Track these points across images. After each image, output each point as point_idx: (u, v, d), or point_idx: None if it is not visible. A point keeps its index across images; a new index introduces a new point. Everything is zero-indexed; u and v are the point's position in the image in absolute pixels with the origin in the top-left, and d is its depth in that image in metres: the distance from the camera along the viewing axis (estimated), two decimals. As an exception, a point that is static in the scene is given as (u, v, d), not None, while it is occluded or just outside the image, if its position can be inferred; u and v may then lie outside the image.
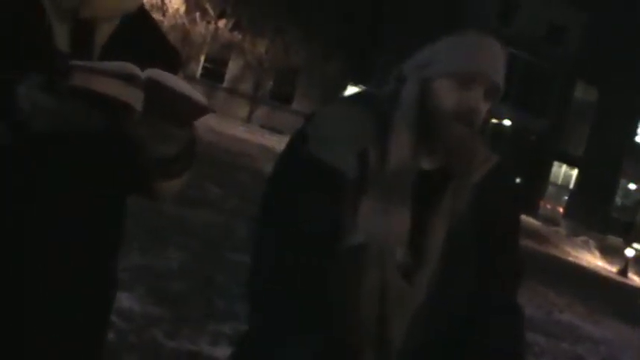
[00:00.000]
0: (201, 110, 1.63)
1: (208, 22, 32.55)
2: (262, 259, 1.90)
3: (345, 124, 1.83)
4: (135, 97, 1.55)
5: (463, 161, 1.85)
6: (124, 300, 5.27)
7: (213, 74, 35.03)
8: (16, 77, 1.57)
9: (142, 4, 1.90)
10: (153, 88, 1.57)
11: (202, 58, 34.48)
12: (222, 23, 32.56)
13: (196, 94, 1.61)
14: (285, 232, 1.84)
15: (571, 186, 42.08)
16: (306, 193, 1.79)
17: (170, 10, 32.03)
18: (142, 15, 1.90)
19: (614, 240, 34.78)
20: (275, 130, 30.82)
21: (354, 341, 1.81)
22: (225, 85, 35.35)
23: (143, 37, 1.86)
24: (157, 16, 31.93)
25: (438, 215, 1.83)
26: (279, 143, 17.32)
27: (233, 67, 35.21)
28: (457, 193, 1.85)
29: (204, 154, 15.60)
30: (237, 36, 32.84)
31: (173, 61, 1.93)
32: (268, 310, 1.87)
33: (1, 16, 1.69)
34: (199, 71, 34.93)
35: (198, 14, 32.29)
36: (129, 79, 1.54)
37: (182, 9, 32.07)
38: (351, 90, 32.77)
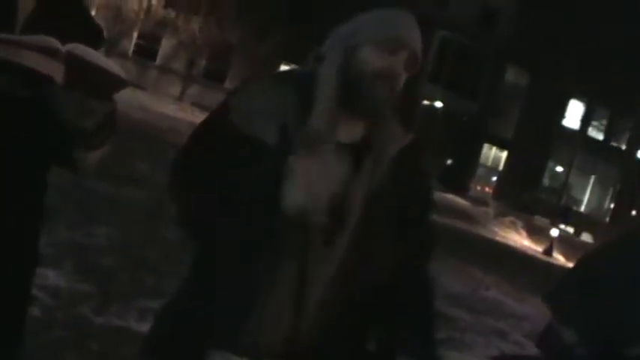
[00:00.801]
0: (120, 83, 1.70)
1: (141, -1, 32.12)
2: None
3: (267, 98, 1.93)
4: (55, 70, 1.59)
5: (380, 131, 1.97)
6: (51, 277, 5.23)
7: (146, 52, 34.61)
8: None
9: None
10: (73, 62, 1.61)
11: (135, 35, 34.01)
12: (155, 0, 32.15)
13: (116, 67, 1.67)
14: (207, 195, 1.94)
15: (500, 167, 42.83)
16: (229, 160, 1.88)
17: (101, -15, 31.49)
18: None
19: (541, 221, 35.58)
20: (206, 108, 30.57)
21: (273, 301, 1.89)
22: (157, 62, 34.95)
23: (65, 12, 1.87)
24: (87, -10, 31.33)
25: (357, 184, 1.94)
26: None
27: (166, 45, 34.83)
28: (375, 164, 1.96)
29: (133, 130, 15.40)
30: (171, 13, 32.47)
31: (95, 36, 1.96)
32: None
33: None
34: (132, 48, 34.46)
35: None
36: (50, 52, 1.58)
37: (114, -16, 31.58)
38: (283, 67, 32.75)
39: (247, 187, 1.87)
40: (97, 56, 1.64)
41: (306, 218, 1.87)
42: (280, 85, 1.98)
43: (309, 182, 1.87)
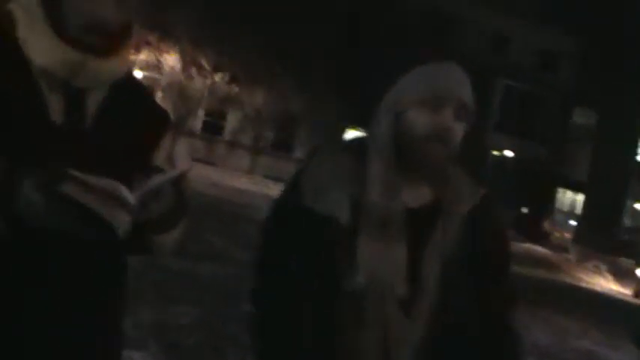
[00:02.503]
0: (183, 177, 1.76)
1: (205, 77, 32.79)
2: (266, 306, 1.99)
3: (333, 170, 1.92)
4: (120, 220, 1.61)
5: (447, 191, 1.95)
6: (137, 358, 5.28)
7: (213, 128, 35.22)
8: (17, 170, 1.61)
9: (130, 70, 1.97)
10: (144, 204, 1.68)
11: (201, 113, 34.67)
12: (218, 77, 32.78)
13: (179, 163, 1.74)
14: (284, 280, 1.94)
15: (577, 211, 41.95)
16: (304, 243, 1.88)
17: (166, 68, 32.31)
18: (131, 80, 1.97)
19: (626, 262, 34.52)
20: (278, 179, 30.87)
21: None
22: (225, 137, 35.51)
23: (132, 101, 1.92)
24: (153, 73, 32.24)
25: (431, 249, 1.90)
26: (282, 191, 17.30)
27: (232, 120, 35.40)
28: (446, 226, 1.92)
29: (207, 207, 15.54)
30: (234, 88, 33.05)
31: (163, 121, 2.01)
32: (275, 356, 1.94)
33: None
34: (199, 125, 35.12)
35: (194, 69, 32.55)
36: (119, 202, 1.61)
37: (178, 66, 32.34)
38: (350, 133, 32.89)
39: (323, 264, 1.86)
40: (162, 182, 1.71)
41: (383, 291, 1.85)
42: (345, 156, 1.96)
43: (382, 254, 1.85)
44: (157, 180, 1.69)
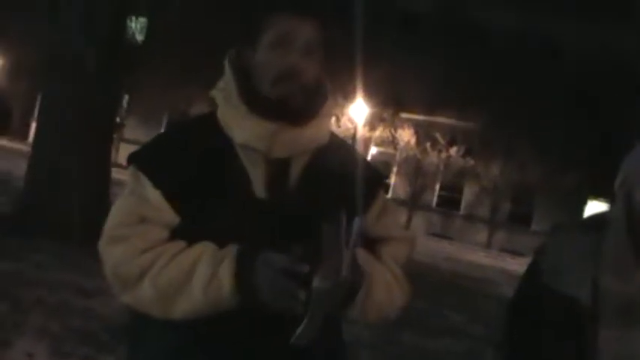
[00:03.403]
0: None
1: (440, 151, 32.94)
2: None
3: (574, 251, 1.78)
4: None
5: None
6: None
7: (449, 202, 35.12)
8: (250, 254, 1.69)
9: (333, 132, 1.97)
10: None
11: (437, 187, 34.76)
12: (453, 151, 32.80)
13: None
14: None
15: None
16: (546, 328, 1.77)
17: (401, 143, 32.84)
18: (337, 143, 1.97)
19: None
20: (516, 253, 30.07)
21: None
22: (461, 211, 35.25)
23: (339, 164, 1.90)
24: (388, 149, 32.94)
25: None
26: (521, 267, 16.80)
27: (468, 193, 35.13)
28: None
29: (444, 281, 15.51)
30: (470, 161, 32.86)
31: (374, 181, 1.98)
32: None
33: (203, 169, 1.81)
34: (435, 200, 35.18)
35: (428, 144, 32.82)
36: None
37: (412, 140, 32.78)
38: (591, 205, 31.49)
39: (563, 350, 1.72)
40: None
41: None
42: (585, 234, 1.81)
43: (622, 344, 1.69)
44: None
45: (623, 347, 1.68)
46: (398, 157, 33.05)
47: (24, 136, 34.24)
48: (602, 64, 29.23)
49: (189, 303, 1.72)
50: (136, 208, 1.81)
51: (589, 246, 1.78)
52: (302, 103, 1.83)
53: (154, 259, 1.75)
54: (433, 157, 33.06)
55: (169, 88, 29.76)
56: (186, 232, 1.78)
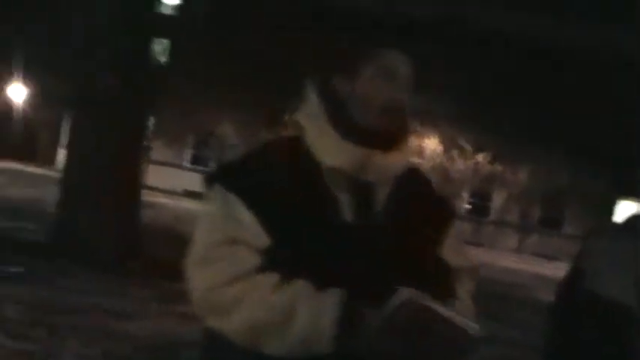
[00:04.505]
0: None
1: (467, 158, 32.79)
2: None
3: (617, 255, 1.78)
4: None
5: None
6: None
7: (479, 209, 34.91)
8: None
9: (412, 162, 2.07)
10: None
11: (465, 194, 34.58)
12: (480, 157, 32.64)
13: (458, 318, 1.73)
14: None
15: None
16: (590, 331, 1.76)
17: (427, 152, 32.73)
18: (414, 172, 2.06)
19: None
20: (548, 257, 29.82)
21: None
22: (491, 217, 35.04)
23: (418, 194, 2.00)
24: (415, 158, 32.80)
25: None
26: (554, 271, 16.65)
27: (497, 199, 34.92)
28: None
29: (478, 288, 15.35)
30: (498, 167, 32.69)
31: (448, 213, 2.09)
32: None
33: (292, 191, 1.84)
34: (464, 207, 35.01)
35: (455, 152, 32.68)
36: None
37: (439, 149, 32.66)
38: (622, 204, 31.18)
39: (610, 352, 1.71)
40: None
41: None
42: (624, 235, 1.81)
43: None
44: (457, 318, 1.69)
45: None
46: (425, 166, 32.97)
47: (50, 162, 34.54)
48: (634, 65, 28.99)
49: (282, 343, 1.73)
50: (226, 229, 1.82)
51: (630, 248, 1.78)
52: (396, 132, 1.93)
53: (248, 290, 1.76)
54: (460, 165, 32.92)
55: (194, 109, 29.90)
56: (276, 256, 1.80)
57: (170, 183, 31.21)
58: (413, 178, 2.02)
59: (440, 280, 1.89)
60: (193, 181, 32.71)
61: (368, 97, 1.87)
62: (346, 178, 1.86)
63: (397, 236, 1.85)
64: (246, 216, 1.80)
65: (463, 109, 29.88)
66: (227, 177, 1.89)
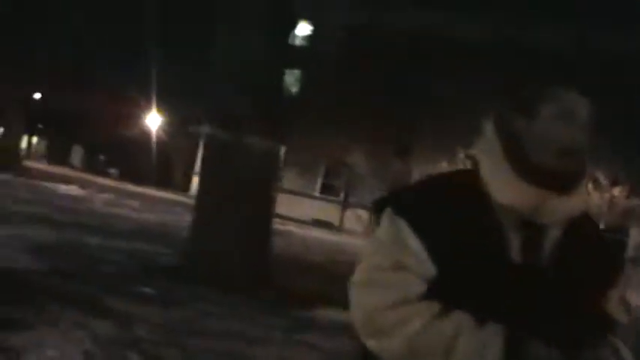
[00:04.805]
0: None
1: (602, 192, 31.81)
2: None
3: None
4: None
5: None
6: None
7: (615, 244, 33.67)
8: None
9: (587, 208, 2.03)
10: None
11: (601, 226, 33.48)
12: (616, 191, 31.62)
13: None
14: None
15: None
16: None
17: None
18: (587, 218, 2.01)
19: None
20: None
21: None
22: (629, 254, 33.74)
23: (588, 242, 1.95)
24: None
25: None
26: None
27: (635, 234, 33.63)
28: None
29: (621, 329, 15.04)
30: (635, 201, 31.54)
31: (617, 267, 2.03)
32: None
33: (462, 225, 1.85)
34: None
35: (590, 185, 31.74)
36: None
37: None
38: None
39: None
40: None
41: None
42: None
43: None
44: None
45: None
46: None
47: (185, 188, 35.53)
48: None
49: None
50: (394, 254, 1.86)
51: None
52: (574, 175, 1.91)
53: (411, 315, 1.80)
54: (596, 199, 31.93)
55: (325, 139, 30.15)
56: (439, 287, 1.81)
57: (300, 212, 31.49)
58: (583, 224, 1.97)
59: (599, 332, 1.87)
60: (323, 210, 32.96)
61: (547, 137, 1.86)
62: (518, 217, 1.86)
63: (563, 282, 1.84)
64: (413, 242, 1.83)
65: (600, 141, 29.01)
66: (398, 202, 1.93)
